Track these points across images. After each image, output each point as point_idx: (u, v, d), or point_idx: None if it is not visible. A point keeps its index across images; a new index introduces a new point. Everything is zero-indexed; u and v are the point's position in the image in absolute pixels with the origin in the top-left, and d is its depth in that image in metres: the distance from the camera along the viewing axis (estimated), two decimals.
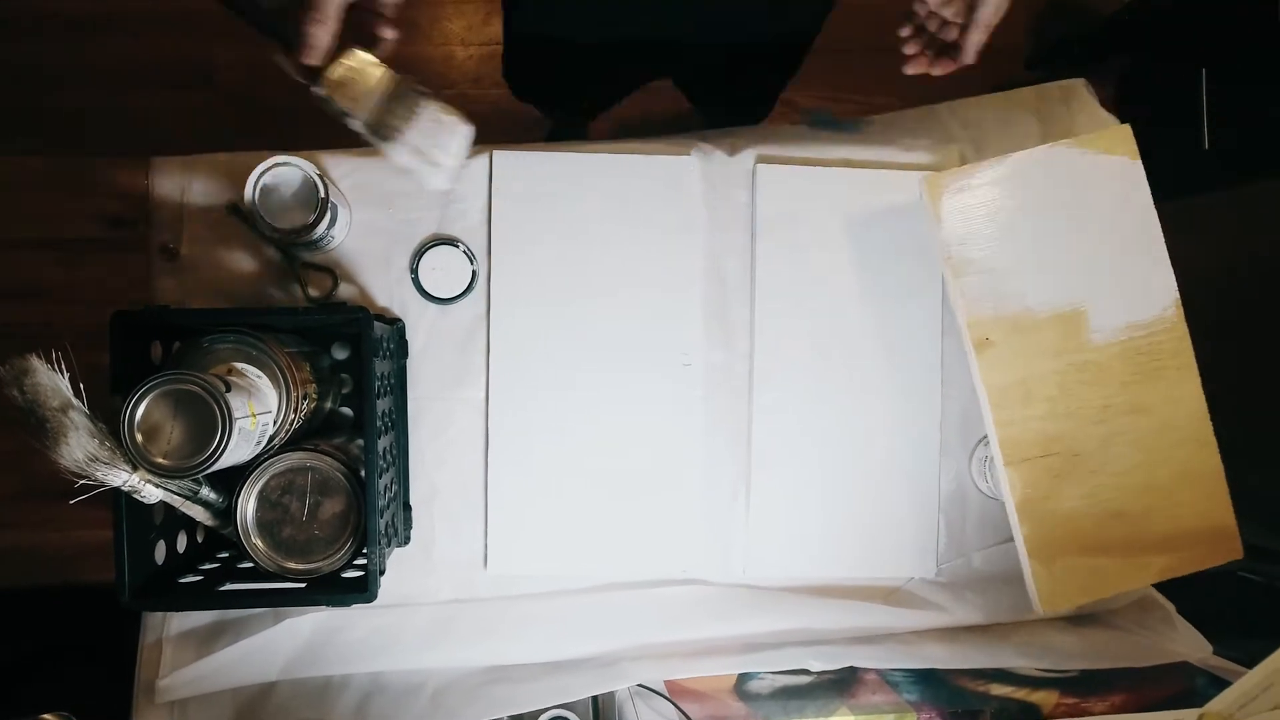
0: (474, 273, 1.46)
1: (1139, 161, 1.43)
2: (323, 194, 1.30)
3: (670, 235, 1.50)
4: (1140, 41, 2.74)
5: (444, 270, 1.46)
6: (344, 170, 1.46)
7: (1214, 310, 1.49)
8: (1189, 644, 1.50)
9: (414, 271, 1.45)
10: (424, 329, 1.47)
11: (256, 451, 1.15)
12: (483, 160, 1.48)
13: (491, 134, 1.42)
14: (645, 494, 1.49)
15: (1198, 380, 1.43)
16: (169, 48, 2.76)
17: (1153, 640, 1.51)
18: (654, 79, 1.94)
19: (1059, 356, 1.40)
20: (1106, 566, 1.42)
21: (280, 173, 1.31)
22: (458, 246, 1.46)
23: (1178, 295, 1.43)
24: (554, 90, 2.02)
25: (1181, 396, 1.43)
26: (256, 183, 1.30)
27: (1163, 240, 1.43)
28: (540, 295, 1.47)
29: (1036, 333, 1.40)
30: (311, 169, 1.31)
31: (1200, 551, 1.44)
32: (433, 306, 1.47)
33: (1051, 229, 1.41)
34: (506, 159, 1.48)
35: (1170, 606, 1.56)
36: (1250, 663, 1.32)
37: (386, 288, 1.47)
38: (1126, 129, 1.44)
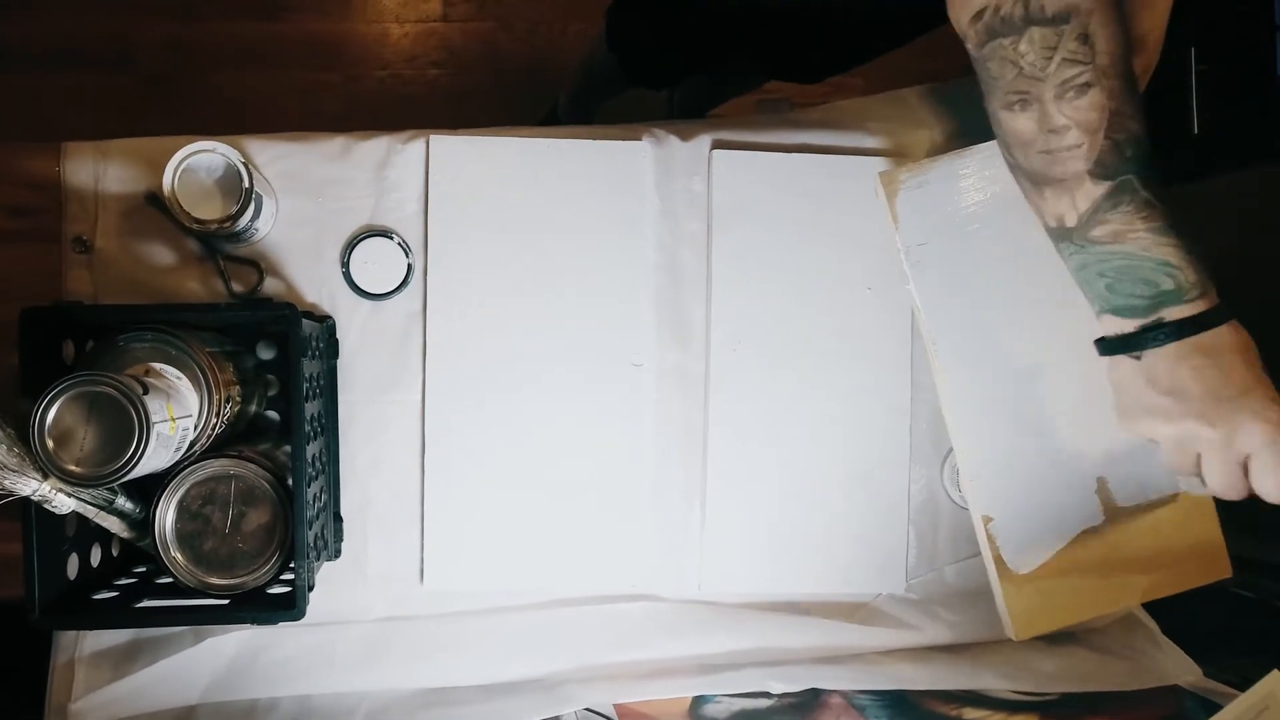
0: (409, 267, 1.47)
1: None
2: (246, 182, 1.30)
3: (621, 226, 1.51)
4: None
5: (377, 264, 1.46)
6: (270, 156, 1.46)
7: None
8: (1176, 666, 1.52)
9: (345, 265, 1.46)
10: (356, 327, 1.47)
11: (176, 458, 1.15)
12: (419, 146, 1.49)
13: (429, 117, 1.43)
14: (593, 504, 1.50)
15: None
16: (86, 26, 2.74)
17: (1138, 662, 1.53)
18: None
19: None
20: (1084, 587, 1.43)
21: (202, 159, 1.30)
22: (392, 238, 1.46)
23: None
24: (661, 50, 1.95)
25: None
26: (176, 170, 1.29)
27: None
28: (481, 291, 1.47)
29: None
30: (235, 155, 1.30)
31: (1186, 570, 1.45)
32: (365, 303, 1.47)
33: (1019, 227, 1.40)
34: (445, 145, 1.48)
35: (1154, 626, 1.57)
36: (1243, 685, 1.34)
37: (316, 283, 1.47)
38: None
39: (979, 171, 1.43)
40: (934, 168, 1.42)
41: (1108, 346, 1.17)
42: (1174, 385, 1.11)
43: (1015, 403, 1.43)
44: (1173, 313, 1.10)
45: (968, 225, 1.43)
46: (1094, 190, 1.08)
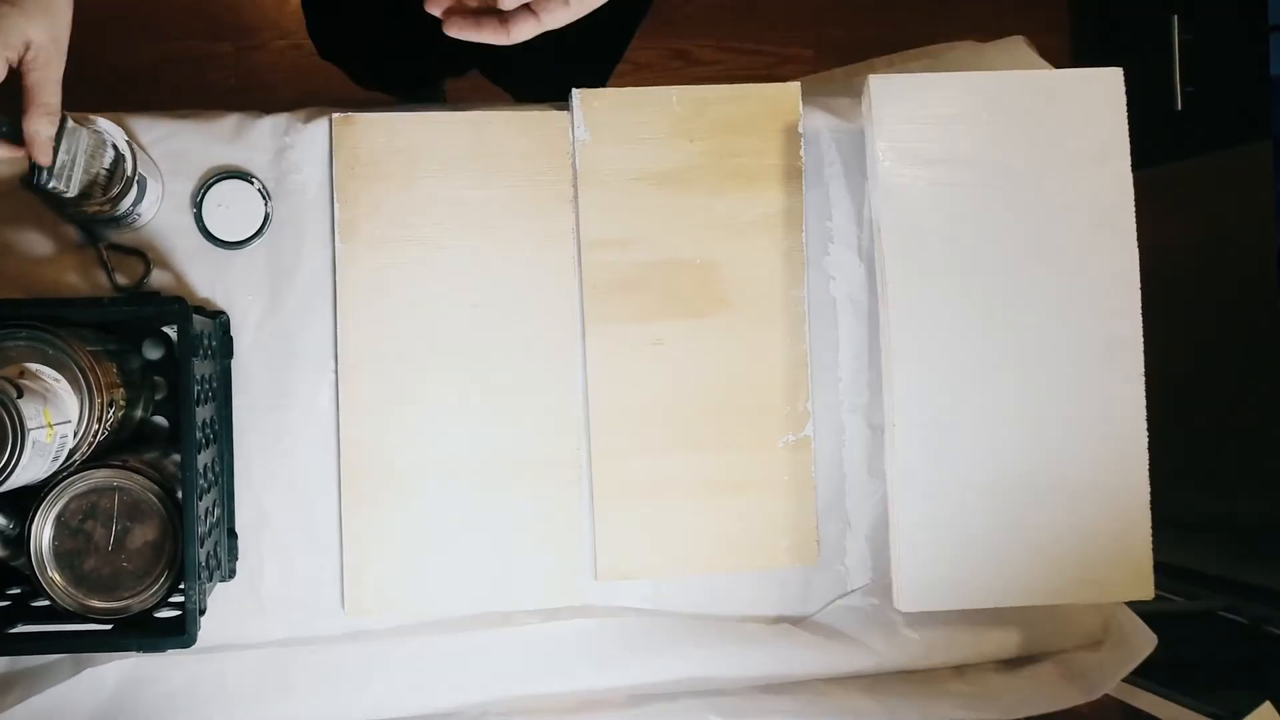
0: (267, 215, 1.48)
1: (1123, 113, 1.53)
2: (129, 161, 1.31)
3: (545, 203, 1.53)
4: None
5: (232, 208, 1.47)
6: (157, 135, 1.47)
7: (1188, 298, 1.57)
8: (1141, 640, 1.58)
9: (197, 207, 1.47)
10: (252, 324, 1.49)
11: (54, 468, 1.15)
12: (321, 126, 1.51)
13: (332, 92, 1.45)
14: (524, 515, 1.51)
15: (1141, 381, 1.52)
16: None
17: (1104, 660, 1.59)
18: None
19: (984, 324, 1.51)
20: (986, 571, 1.50)
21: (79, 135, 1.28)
22: (252, 183, 1.47)
23: (1137, 277, 1.52)
24: (363, 52, 1.96)
25: (1122, 396, 1.52)
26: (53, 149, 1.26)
27: (1132, 210, 1.53)
28: (394, 285, 1.49)
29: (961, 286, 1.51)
30: (118, 133, 1.31)
31: (1105, 579, 1.52)
32: (259, 300, 1.49)
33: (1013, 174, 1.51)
34: (349, 126, 1.50)
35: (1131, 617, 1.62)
36: (1231, 719, 1.39)
37: (208, 275, 1.48)
38: (1117, 72, 1.53)
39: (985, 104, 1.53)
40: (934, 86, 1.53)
41: None
42: None
43: None
44: None
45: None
46: None
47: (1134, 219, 1.51)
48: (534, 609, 1.53)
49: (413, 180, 1.50)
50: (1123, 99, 1.52)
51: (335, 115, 1.50)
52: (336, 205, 1.49)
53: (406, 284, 1.50)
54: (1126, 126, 1.52)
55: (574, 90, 1.54)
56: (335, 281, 1.49)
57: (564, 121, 1.54)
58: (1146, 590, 1.51)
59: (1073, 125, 1.52)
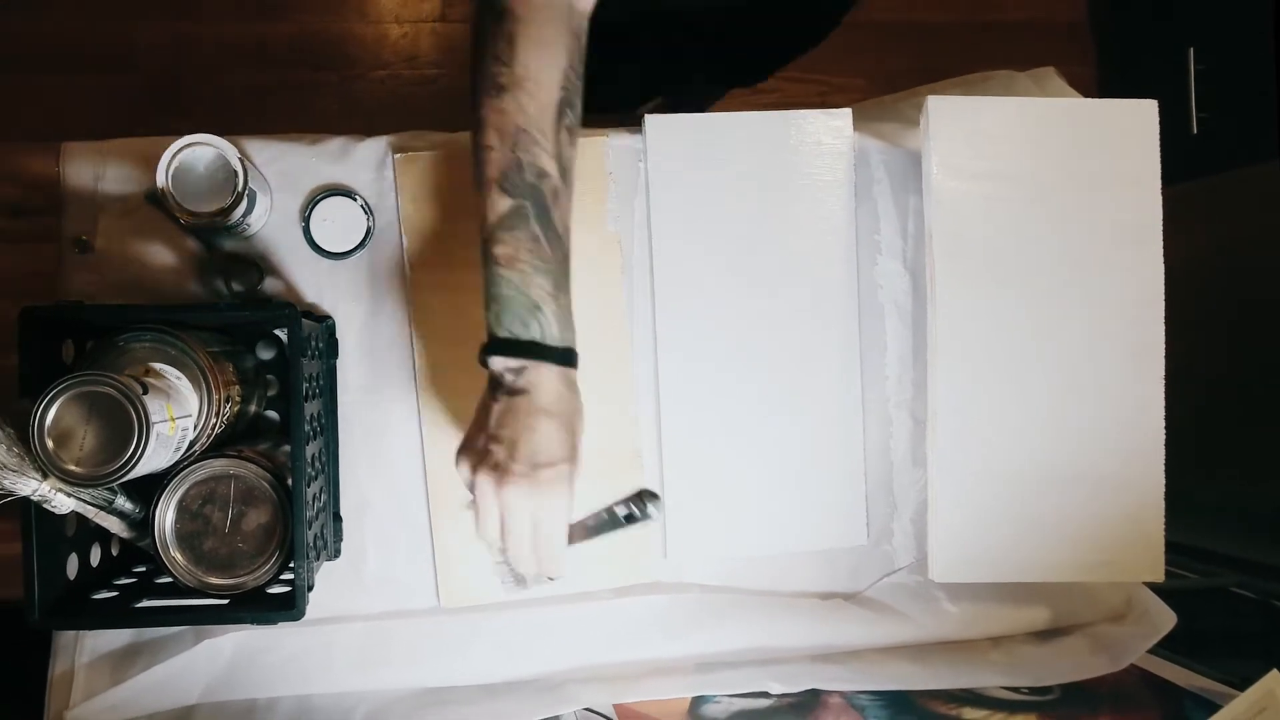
0: (369, 229, 1.46)
1: (1156, 141, 1.50)
2: (240, 175, 1.30)
3: (592, 216, 1.51)
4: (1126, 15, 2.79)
5: (336, 222, 1.46)
6: (269, 155, 1.46)
7: (1205, 306, 1.54)
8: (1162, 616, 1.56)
9: (305, 221, 1.45)
10: (355, 327, 1.48)
11: (176, 458, 1.15)
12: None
13: (427, 118, 1.43)
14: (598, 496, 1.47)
15: (1162, 383, 1.49)
16: (87, 26, 2.74)
17: (1128, 633, 1.57)
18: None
19: (1021, 327, 1.49)
20: (1012, 549, 1.49)
21: (196, 153, 1.30)
22: (355, 199, 1.46)
23: (1162, 288, 1.49)
24: None
25: (1144, 396, 1.50)
26: (170, 163, 1.28)
27: (1160, 228, 1.49)
28: (467, 293, 1.43)
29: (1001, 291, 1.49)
30: (229, 148, 1.30)
31: (1121, 561, 1.50)
32: (361, 305, 1.48)
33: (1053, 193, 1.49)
34: (411, 164, 1.48)
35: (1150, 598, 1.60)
36: (1242, 685, 1.35)
37: (315, 283, 1.47)
38: (1152, 104, 1.51)
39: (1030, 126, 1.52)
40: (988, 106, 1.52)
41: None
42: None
43: None
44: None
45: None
46: (499, 203, 1.06)
47: (1161, 237, 1.49)
48: (609, 588, 1.52)
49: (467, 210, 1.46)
50: (1155, 127, 1.50)
51: (396, 156, 1.48)
52: (404, 235, 1.48)
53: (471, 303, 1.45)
54: (1158, 153, 1.50)
55: (646, 116, 1.51)
56: (408, 303, 1.48)
57: (627, 146, 1.53)
58: (1158, 573, 1.50)
59: (1108, 149, 1.50)
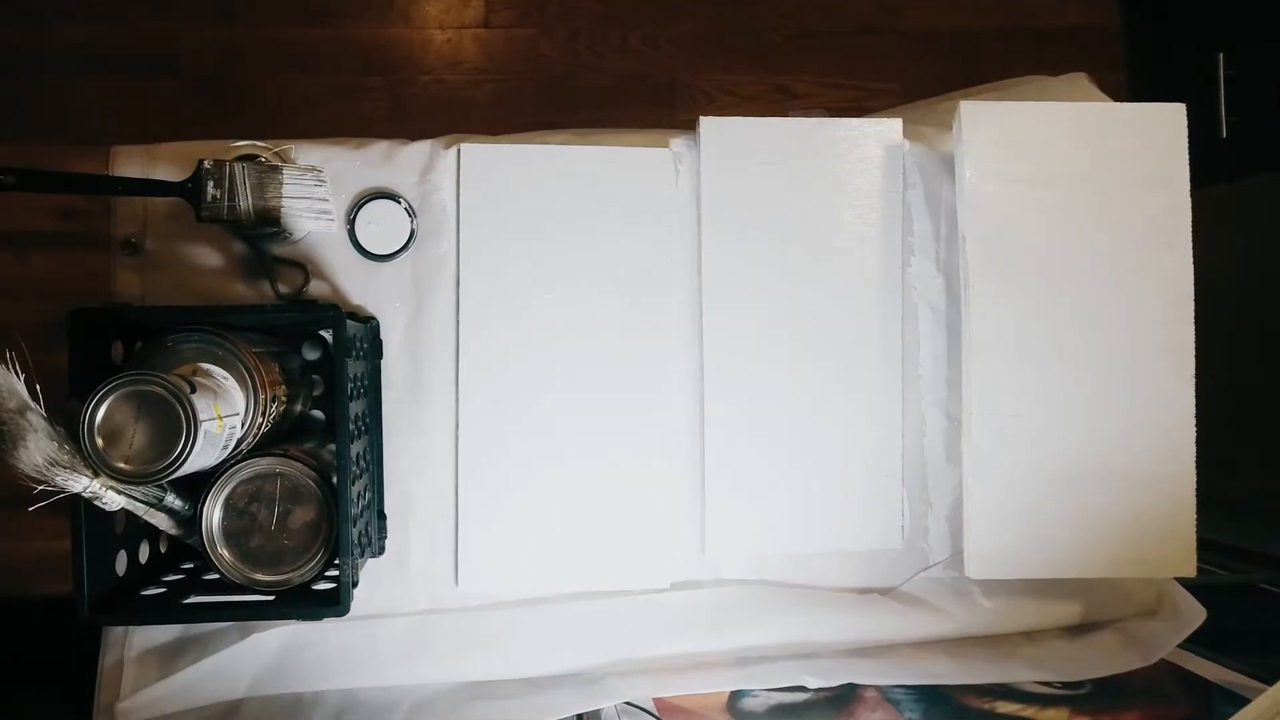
0: (413, 232, 1.45)
1: (1184, 144, 1.48)
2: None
3: (650, 229, 1.50)
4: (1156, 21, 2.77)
5: (381, 225, 1.45)
6: (314, 160, 1.44)
7: (1234, 307, 1.51)
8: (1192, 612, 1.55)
9: (350, 224, 1.44)
10: (399, 328, 1.47)
11: (223, 456, 1.15)
12: (454, 154, 1.49)
13: (471, 123, 1.41)
14: (628, 499, 1.48)
15: (1192, 382, 1.46)
16: (133, 30, 2.74)
17: (1159, 629, 1.55)
18: None
19: (1053, 327, 1.46)
20: (1045, 546, 1.46)
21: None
22: (399, 202, 1.45)
23: (1191, 289, 1.46)
24: None
25: (1175, 395, 1.47)
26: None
27: (1189, 230, 1.46)
28: (512, 295, 1.47)
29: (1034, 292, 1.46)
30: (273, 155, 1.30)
31: (1153, 557, 1.47)
32: (405, 306, 1.47)
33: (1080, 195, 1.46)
34: (475, 153, 1.47)
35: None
36: (1270, 680, 1.32)
37: (360, 285, 1.46)
38: (1180, 108, 1.48)
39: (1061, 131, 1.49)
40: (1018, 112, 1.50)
41: None
42: None
43: None
44: None
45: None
46: None
47: (1190, 239, 1.47)
48: (649, 587, 1.50)
49: (532, 203, 1.48)
50: (1184, 131, 1.48)
51: (462, 145, 1.47)
52: (461, 224, 1.47)
53: (522, 298, 1.47)
54: (1187, 156, 1.48)
55: (701, 118, 1.50)
56: (459, 294, 1.47)
57: (663, 159, 1.51)
58: (1189, 569, 1.46)
59: (1139, 153, 1.48)
